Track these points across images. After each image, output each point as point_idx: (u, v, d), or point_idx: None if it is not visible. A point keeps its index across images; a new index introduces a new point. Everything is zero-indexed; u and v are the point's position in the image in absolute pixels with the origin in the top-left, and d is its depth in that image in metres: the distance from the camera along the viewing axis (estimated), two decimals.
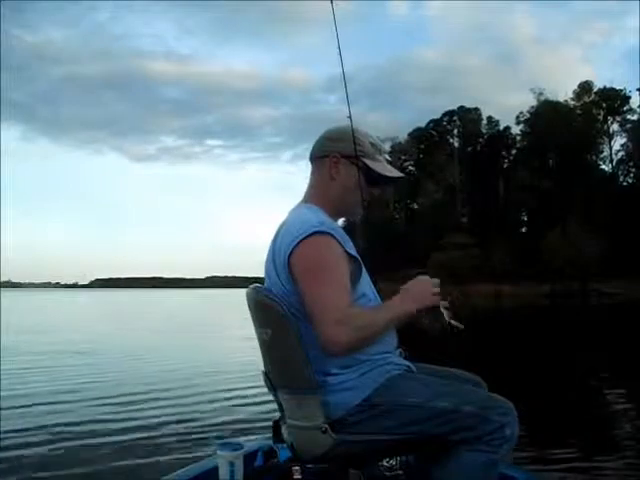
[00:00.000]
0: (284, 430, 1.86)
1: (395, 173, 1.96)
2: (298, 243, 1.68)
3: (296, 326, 1.71)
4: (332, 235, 1.69)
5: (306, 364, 1.70)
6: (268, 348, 1.85)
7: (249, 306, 1.90)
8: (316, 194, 1.91)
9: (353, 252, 1.75)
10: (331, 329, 1.60)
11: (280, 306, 1.72)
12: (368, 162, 1.89)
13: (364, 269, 1.82)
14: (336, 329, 1.60)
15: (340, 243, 1.71)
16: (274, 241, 1.82)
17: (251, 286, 1.87)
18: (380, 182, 1.94)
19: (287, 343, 1.73)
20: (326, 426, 1.68)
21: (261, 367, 1.94)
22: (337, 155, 1.88)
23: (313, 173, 1.95)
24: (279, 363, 1.83)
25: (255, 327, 1.90)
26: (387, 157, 2.01)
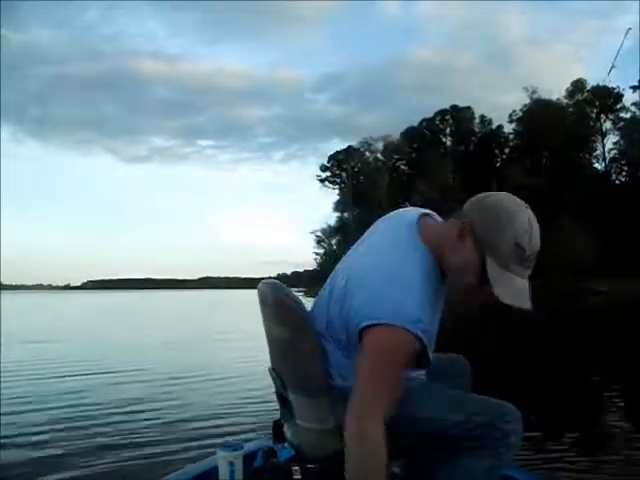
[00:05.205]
0: (287, 430, 1.85)
1: (517, 302, 1.51)
2: (384, 324, 1.50)
3: (313, 331, 1.70)
4: (420, 340, 1.52)
5: (320, 369, 1.69)
6: (281, 346, 1.83)
7: (262, 301, 1.86)
8: (436, 236, 1.64)
9: (430, 353, 1.60)
10: (353, 417, 1.51)
11: (301, 310, 1.72)
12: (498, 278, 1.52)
13: None
14: (356, 422, 1.50)
15: (425, 346, 1.55)
16: (358, 254, 1.72)
17: (266, 281, 1.84)
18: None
19: (303, 346, 1.72)
20: (336, 430, 1.67)
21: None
22: (468, 227, 1.56)
23: (451, 217, 1.66)
24: (292, 363, 1.80)
25: (267, 322, 1.87)
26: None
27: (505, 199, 1.56)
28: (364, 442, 1.48)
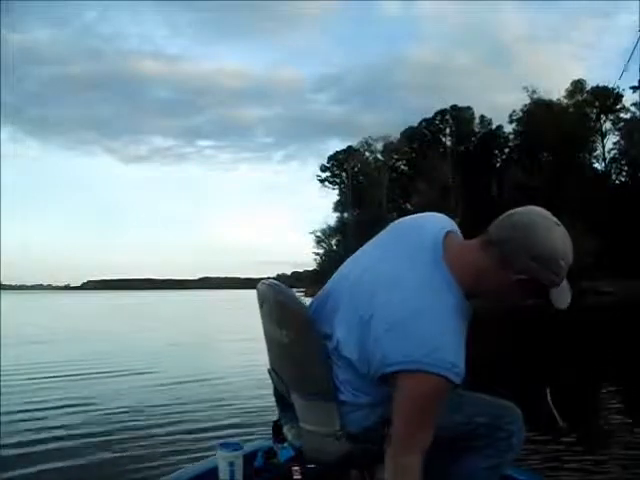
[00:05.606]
0: (288, 431, 1.84)
1: (564, 304, 1.58)
2: (422, 371, 1.47)
3: (314, 333, 1.66)
4: (455, 383, 1.52)
5: (325, 374, 1.65)
6: (281, 348, 1.79)
7: (262, 302, 1.82)
8: (464, 263, 1.57)
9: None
10: (394, 455, 1.55)
11: (301, 311, 1.69)
12: (553, 292, 1.56)
13: None
14: (396, 458, 1.55)
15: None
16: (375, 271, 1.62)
17: (265, 282, 1.79)
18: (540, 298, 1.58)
19: (303, 348, 1.69)
20: (340, 434, 1.66)
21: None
22: (504, 255, 1.51)
23: (481, 245, 1.57)
24: (293, 365, 1.77)
25: (266, 323, 1.84)
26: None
27: (538, 219, 1.52)
28: (404, 475, 1.54)
